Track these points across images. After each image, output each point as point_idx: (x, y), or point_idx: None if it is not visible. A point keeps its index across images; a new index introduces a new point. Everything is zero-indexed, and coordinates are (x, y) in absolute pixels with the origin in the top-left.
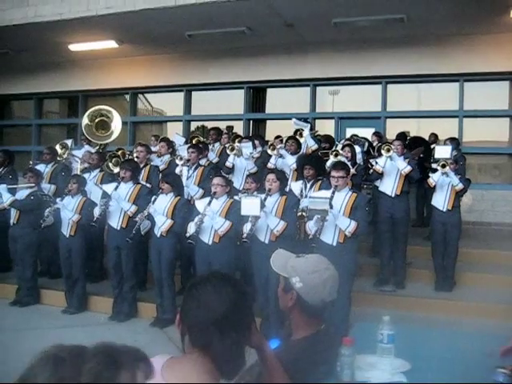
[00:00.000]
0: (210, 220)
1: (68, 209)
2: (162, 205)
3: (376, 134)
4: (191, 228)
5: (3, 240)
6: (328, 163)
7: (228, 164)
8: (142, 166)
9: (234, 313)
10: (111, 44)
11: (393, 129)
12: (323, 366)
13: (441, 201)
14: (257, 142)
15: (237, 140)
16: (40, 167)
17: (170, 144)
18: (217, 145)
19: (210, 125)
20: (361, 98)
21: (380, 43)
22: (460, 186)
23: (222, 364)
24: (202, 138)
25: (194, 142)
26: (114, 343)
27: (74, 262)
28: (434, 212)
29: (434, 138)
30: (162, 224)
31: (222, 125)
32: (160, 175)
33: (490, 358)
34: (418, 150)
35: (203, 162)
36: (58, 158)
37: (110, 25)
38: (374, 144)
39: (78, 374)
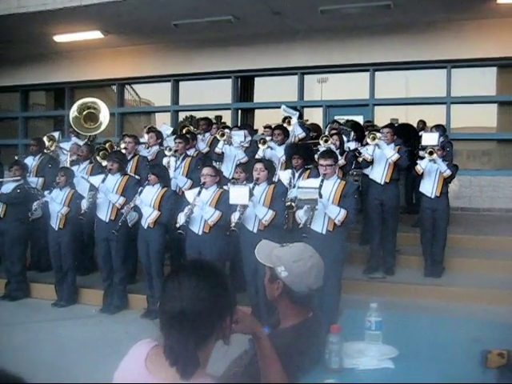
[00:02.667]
0: (200, 210)
1: (56, 201)
2: (149, 196)
3: (367, 122)
4: (181, 218)
5: None
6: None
7: (217, 150)
8: (130, 156)
9: (195, 309)
10: (97, 35)
11: (381, 116)
12: (312, 353)
13: (429, 187)
14: (246, 131)
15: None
16: (28, 160)
17: (159, 135)
18: (207, 135)
19: (198, 115)
20: (349, 86)
21: (367, 30)
22: (448, 173)
23: (171, 362)
24: (191, 128)
25: (184, 131)
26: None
27: (63, 254)
28: (423, 199)
29: (423, 125)
30: (149, 215)
31: (211, 114)
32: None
33: (477, 343)
34: None
35: (191, 152)
36: (46, 151)
37: (95, 15)
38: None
39: None
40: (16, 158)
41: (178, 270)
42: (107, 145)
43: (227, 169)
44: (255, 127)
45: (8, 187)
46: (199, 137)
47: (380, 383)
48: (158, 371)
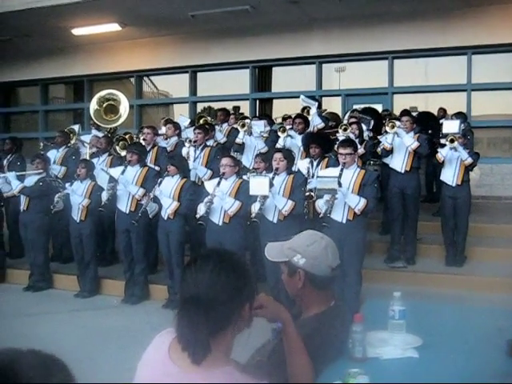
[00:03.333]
0: (220, 201)
1: (77, 194)
2: (169, 187)
3: (385, 111)
4: (201, 209)
5: (15, 226)
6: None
7: (238, 140)
8: (149, 148)
9: (209, 296)
10: (114, 27)
11: (400, 104)
12: (335, 342)
13: (450, 176)
14: (265, 121)
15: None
16: (52, 152)
17: (177, 126)
18: (225, 125)
19: (216, 106)
20: (367, 74)
21: (386, 18)
22: (469, 161)
23: (183, 347)
24: (209, 119)
25: (201, 122)
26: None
27: (85, 246)
28: (444, 187)
29: (443, 112)
30: (169, 206)
31: (229, 105)
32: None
33: (501, 332)
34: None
35: (210, 142)
36: (69, 145)
37: (113, 7)
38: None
39: None
40: (42, 145)
41: (196, 258)
42: (127, 136)
43: (248, 159)
44: (273, 117)
45: (31, 180)
46: (217, 127)
47: (405, 372)
48: (182, 360)
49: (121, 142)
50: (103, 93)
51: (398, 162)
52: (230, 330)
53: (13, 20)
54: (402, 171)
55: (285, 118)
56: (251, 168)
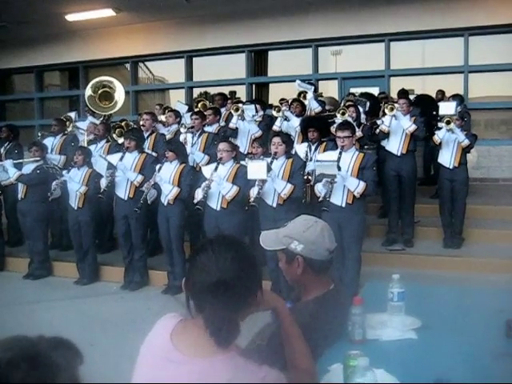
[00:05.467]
0: (217, 185)
1: (75, 181)
2: (168, 173)
3: (382, 94)
4: (198, 194)
5: (13, 215)
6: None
7: (231, 125)
8: (147, 134)
9: (231, 279)
10: (108, 12)
11: (397, 87)
12: (335, 325)
13: (447, 158)
14: (258, 106)
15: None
16: (49, 139)
17: (178, 113)
18: (222, 110)
19: (212, 90)
20: (364, 57)
21: (382, 0)
22: (466, 142)
23: (212, 333)
24: (207, 102)
25: (199, 106)
26: (25, 338)
27: (83, 233)
28: (441, 169)
29: (441, 95)
30: (169, 192)
31: (225, 90)
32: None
33: (501, 313)
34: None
35: (213, 127)
36: (66, 132)
37: None
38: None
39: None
40: (40, 135)
41: (209, 244)
42: (123, 123)
43: (242, 144)
44: (270, 101)
45: (28, 168)
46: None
47: (404, 353)
48: (184, 345)
49: (117, 130)
50: (98, 79)
51: (395, 145)
52: (240, 316)
53: (6, 6)
54: (399, 154)
55: (281, 103)
56: (245, 152)
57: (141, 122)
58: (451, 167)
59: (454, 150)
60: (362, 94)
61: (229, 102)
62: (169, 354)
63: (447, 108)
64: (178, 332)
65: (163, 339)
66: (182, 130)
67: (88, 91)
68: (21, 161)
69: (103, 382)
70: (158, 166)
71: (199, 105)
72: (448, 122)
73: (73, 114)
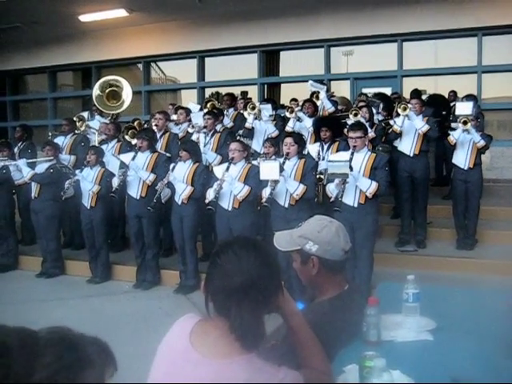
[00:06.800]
0: (229, 185)
1: (87, 180)
2: (182, 172)
3: (394, 94)
4: (210, 194)
5: (26, 214)
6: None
7: (248, 125)
8: (161, 133)
9: (254, 280)
10: (121, 13)
11: (410, 87)
12: (349, 326)
13: (462, 159)
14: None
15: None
16: (59, 139)
17: (189, 112)
18: (231, 110)
19: (224, 91)
20: (376, 57)
21: (395, 0)
22: (482, 143)
23: (239, 335)
24: (216, 103)
25: (208, 106)
26: (69, 329)
27: (96, 232)
28: (455, 170)
29: (454, 95)
30: (183, 191)
31: (237, 90)
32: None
33: None
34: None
35: (219, 128)
36: (77, 131)
37: None
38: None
39: (31, 368)
40: (50, 134)
41: (229, 245)
42: (136, 123)
43: (258, 143)
44: (281, 102)
45: (41, 167)
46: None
47: (419, 355)
48: (203, 346)
49: (130, 131)
50: (105, 79)
51: (407, 145)
52: (263, 317)
53: (21, 7)
54: (411, 154)
55: (292, 101)
56: (261, 153)
57: (154, 122)
58: (466, 168)
59: (469, 151)
60: (376, 95)
61: (239, 102)
62: (187, 355)
63: (464, 108)
64: (196, 333)
65: (182, 339)
66: (190, 129)
67: (96, 91)
68: (34, 160)
69: (116, 381)
70: (171, 165)
71: (208, 105)
72: (465, 123)
73: (85, 114)
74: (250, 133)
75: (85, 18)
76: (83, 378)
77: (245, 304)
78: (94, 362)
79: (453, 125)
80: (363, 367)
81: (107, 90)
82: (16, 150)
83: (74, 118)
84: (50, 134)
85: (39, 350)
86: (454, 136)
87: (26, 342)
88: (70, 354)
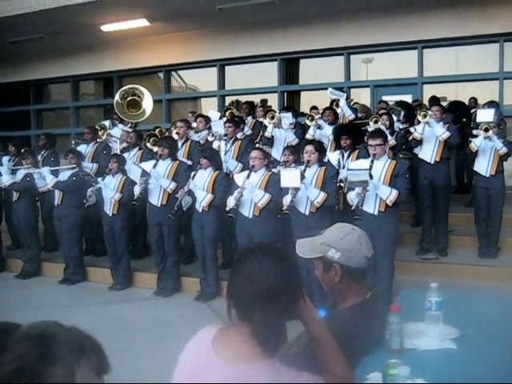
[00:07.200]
0: (250, 193)
1: (109, 188)
2: (202, 180)
3: (415, 101)
4: (231, 202)
5: (49, 220)
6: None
7: (267, 134)
8: (182, 141)
9: (277, 286)
10: (143, 22)
11: (430, 95)
12: (372, 333)
13: (484, 166)
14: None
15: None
16: (82, 147)
17: (208, 120)
18: (249, 118)
19: (244, 99)
20: (396, 65)
21: (415, 7)
22: (504, 150)
23: (262, 340)
24: (235, 111)
25: (227, 114)
26: (58, 325)
27: (117, 239)
28: (477, 178)
29: (474, 102)
30: (203, 199)
31: (257, 98)
32: None
33: None
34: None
35: (239, 135)
36: (98, 140)
37: (141, 3)
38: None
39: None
40: (73, 142)
41: (251, 252)
42: (157, 131)
43: (278, 152)
44: (301, 109)
45: (64, 175)
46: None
47: (443, 363)
48: (225, 351)
49: (151, 139)
50: (128, 87)
51: (428, 153)
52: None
53: (44, 18)
54: (432, 162)
55: (312, 109)
56: (281, 161)
57: (175, 130)
58: (487, 175)
59: (490, 158)
60: (398, 102)
61: (259, 110)
62: (209, 359)
63: (486, 115)
64: (218, 339)
65: (204, 346)
66: (210, 138)
67: (116, 97)
68: (57, 168)
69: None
70: (192, 173)
71: (227, 113)
72: (486, 130)
73: (107, 123)
74: (270, 141)
75: (107, 28)
76: (51, 374)
77: (268, 309)
78: (63, 360)
79: (474, 132)
80: (387, 375)
81: (128, 99)
82: (39, 157)
83: (96, 127)
84: (73, 142)
85: (15, 338)
86: (475, 143)
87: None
88: (38, 350)
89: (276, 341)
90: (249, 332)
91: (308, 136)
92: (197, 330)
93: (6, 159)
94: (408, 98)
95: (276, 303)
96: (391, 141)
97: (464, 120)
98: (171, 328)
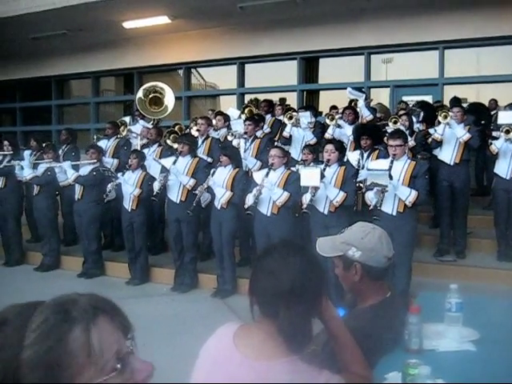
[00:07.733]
0: (268, 191)
1: (129, 183)
2: (221, 177)
3: (437, 102)
4: (249, 200)
5: (69, 215)
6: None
7: (285, 134)
8: (203, 138)
9: (302, 284)
10: (164, 20)
11: (451, 96)
12: (391, 333)
13: (504, 168)
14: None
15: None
16: (102, 142)
17: (227, 117)
18: (268, 116)
19: (263, 97)
20: (417, 65)
21: (436, 7)
22: None
23: (288, 337)
24: (254, 109)
25: (246, 111)
26: (77, 294)
27: (136, 234)
28: (497, 180)
29: (495, 103)
30: (222, 196)
31: (276, 97)
32: None
33: None
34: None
35: (259, 134)
36: (119, 135)
37: (163, 0)
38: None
39: (23, 336)
40: (95, 138)
41: (274, 249)
42: (177, 127)
43: (296, 151)
44: (320, 109)
45: (85, 170)
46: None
47: (462, 365)
48: (246, 347)
49: (172, 136)
50: (151, 84)
51: (448, 154)
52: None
53: (67, 14)
54: (452, 163)
55: (332, 108)
56: (299, 160)
57: (195, 127)
58: (508, 178)
59: (511, 161)
60: (418, 103)
61: (278, 108)
62: (230, 355)
63: (507, 117)
64: (239, 335)
65: (225, 342)
66: (229, 137)
67: (139, 94)
68: (78, 162)
69: (154, 381)
70: (212, 170)
71: (246, 111)
72: (507, 132)
73: (127, 119)
74: (288, 141)
75: (128, 24)
76: (72, 336)
77: (294, 306)
78: (79, 319)
79: (494, 134)
80: (406, 375)
81: (150, 96)
82: (60, 152)
83: (117, 122)
84: (95, 137)
85: (35, 316)
86: (495, 145)
87: (22, 314)
88: (58, 315)
89: (302, 338)
90: (273, 329)
91: (327, 135)
92: (213, 327)
93: (27, 153)
94: (428, 99)
95: (301, 300)
96: (410, 142)
97: (483, 122)
98: (188, 324)
